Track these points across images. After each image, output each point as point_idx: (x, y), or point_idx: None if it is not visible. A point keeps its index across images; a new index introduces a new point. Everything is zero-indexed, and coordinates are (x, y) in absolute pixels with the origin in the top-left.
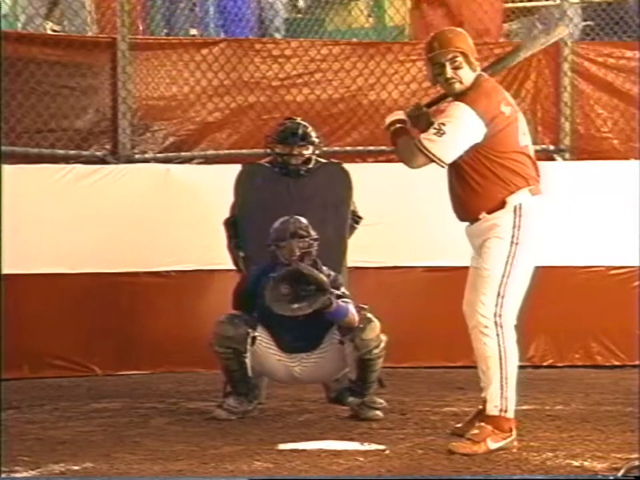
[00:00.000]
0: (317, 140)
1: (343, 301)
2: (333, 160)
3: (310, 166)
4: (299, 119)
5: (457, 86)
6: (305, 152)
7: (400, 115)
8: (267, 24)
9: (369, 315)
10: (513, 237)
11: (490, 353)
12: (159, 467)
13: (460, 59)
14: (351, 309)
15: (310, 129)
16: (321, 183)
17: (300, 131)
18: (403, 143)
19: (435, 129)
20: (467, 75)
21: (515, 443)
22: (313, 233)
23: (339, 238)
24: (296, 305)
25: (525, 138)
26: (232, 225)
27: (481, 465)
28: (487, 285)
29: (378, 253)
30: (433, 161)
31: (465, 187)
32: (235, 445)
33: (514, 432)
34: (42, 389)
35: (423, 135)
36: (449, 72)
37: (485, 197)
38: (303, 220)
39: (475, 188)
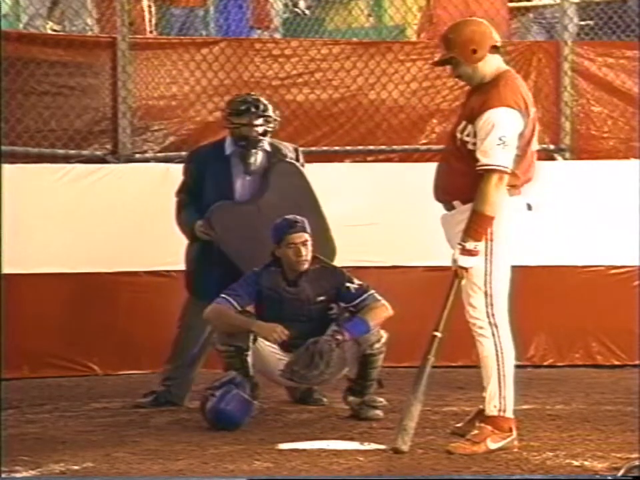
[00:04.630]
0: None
1: (350, 317)
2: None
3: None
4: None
5: (467, 80)
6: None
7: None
8: (268, 22)
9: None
10: (487, 233)
11: (486, 353)
12: (158, 466)
13: (457, 60)
14: (364, 315)
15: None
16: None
17: (260, 105)
18: (490, 194)
19: (498, 144)
20: (470, 71)
21: (515, 443)
22: (309, 239)
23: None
24: (316, 372)
25: (535, 142)
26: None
27: (481, 464)
28: (472, 285)
29: (378, 252)
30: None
31: (449, 169)
32: (235, 444)
33: (514, 431)
34: (42, 389)
35: (492, 161)
36: (455, 72)
37: (463, 184)
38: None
39: (456, 174)
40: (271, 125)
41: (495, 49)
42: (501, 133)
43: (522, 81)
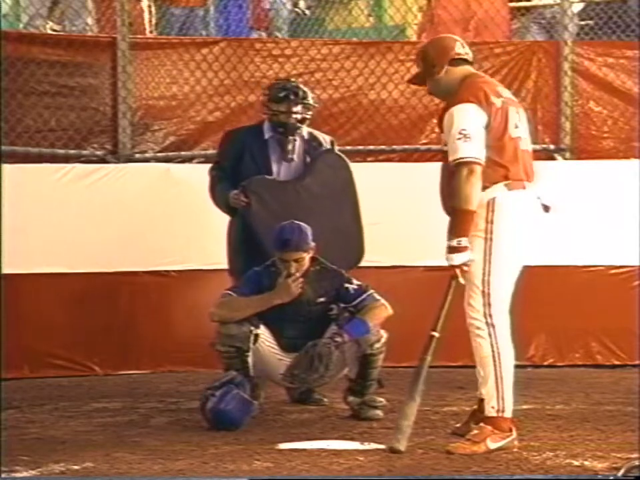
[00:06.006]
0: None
1: (349, 317)
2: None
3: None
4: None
5: (435, 94)
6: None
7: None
8: (267, 23)
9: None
10: (486, 231)
11: (484, 353)
12: (159, 466)
13: (424, 76)
14: (364, 316)
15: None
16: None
17: (299, 92)
18: (461, 187)
19: (458, 138)
20: (434, 85)
21: (516, 443)
22: (311, 244)
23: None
24: (316, 375)
25: (517, 131)
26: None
27: (481, 464)
28: (471, 285)
29: (378, 252)
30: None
31: (447, 179)
32: (235, 444)
33: (514, 431)
34: (42, 389)
35: (456, 155)
36: (427, 89)
37: None
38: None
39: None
40: (310, 112)
41: (462, 61)
42: (460, 127)
43: (490, 79)
